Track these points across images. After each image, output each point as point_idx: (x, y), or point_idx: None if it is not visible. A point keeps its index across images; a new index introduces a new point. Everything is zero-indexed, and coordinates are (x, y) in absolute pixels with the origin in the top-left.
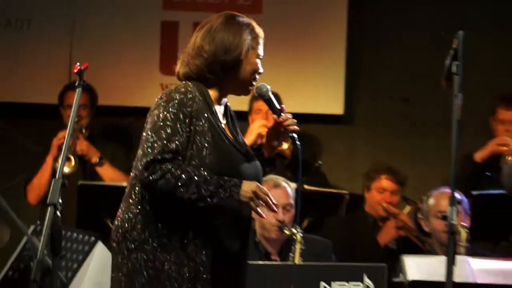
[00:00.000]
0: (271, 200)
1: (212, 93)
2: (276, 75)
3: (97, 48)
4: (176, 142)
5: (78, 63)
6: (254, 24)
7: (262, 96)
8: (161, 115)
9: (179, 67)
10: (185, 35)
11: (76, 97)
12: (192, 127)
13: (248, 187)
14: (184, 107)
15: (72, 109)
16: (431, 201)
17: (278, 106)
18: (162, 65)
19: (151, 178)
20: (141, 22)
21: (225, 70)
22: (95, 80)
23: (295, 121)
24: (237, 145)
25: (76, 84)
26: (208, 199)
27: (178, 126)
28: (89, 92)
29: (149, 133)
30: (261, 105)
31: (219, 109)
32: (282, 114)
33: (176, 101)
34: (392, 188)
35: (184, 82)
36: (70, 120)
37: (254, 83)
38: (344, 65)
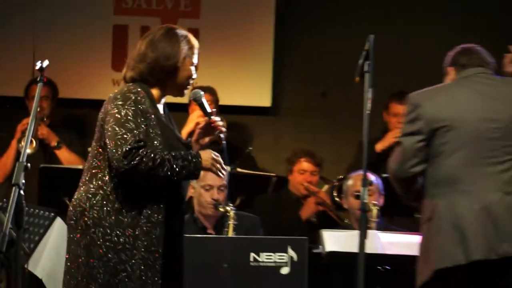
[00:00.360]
0: (221, 165)
1: (154, 92)
2: (213, 72)
3: (57, 48)
4: (141, 133)
5: (40, 61)
6: (190, 36)
7: (196, 100)
8: (122, 113)
9: (125, 71)
10: (133, 37)
11: (37, 90)
12: (146, 121)
13: (206, 155)
14: (139, 105)
15: (35, 100)
16: (350, 182)
17: (209, 110)
18: (113, 62)
19: (132, 163)
20: (95, 25)
21: (165, 75)
22: (56, 75)
23: (223, 123)
24: (178, 137)
25: (38, 79)
26: (180, 173)
27: (138, 120)
28: (50, 86)
29: (116, 128)
30: None
31: (160, 107)
32: (212, 116)
33: (132, 100)
34: (311, 169)
35: (131, 84)
36: (32, 109)
37: (188, 87)
38: (271, 64)
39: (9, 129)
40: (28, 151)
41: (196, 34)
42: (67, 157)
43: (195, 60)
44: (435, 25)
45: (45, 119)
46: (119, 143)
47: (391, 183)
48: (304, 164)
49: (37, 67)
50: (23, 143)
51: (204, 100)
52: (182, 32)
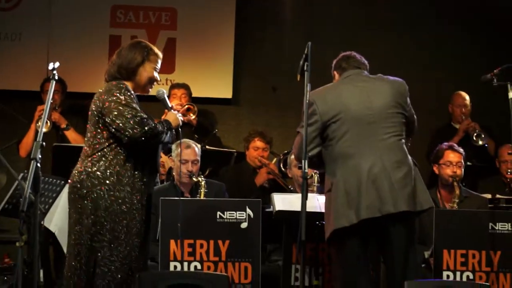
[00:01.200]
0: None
1: (130, 87)
2: (187, 71)
3: (66, 52)
4: (140, 110)
5: (52, 63)
6: (153, 47)
7: (158, 97)
8: (122, 97)
9: (105, 73)
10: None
11: (50, 85)
12: (137, 102)
13: (172, 117)
14: (129, 92)
15: (48, 93)
16: (292, 156)
17: (169, 105)
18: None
19: (145, 129)
20: (96, 35)
21: (128, 75)
22: (65, 74)
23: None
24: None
25: (51, 77)
26: (170, 136)
27: (135, 101)
28: (60, 82)
29: (121, 108)
30: (176, 91)
31: None
32: (172, 110)
33: (124, 89)
34: (263, 146)
35: (114, 80)
36: (47, 100)
37: (150, 86)
38: (232, 64)
39: (27, 117)
40: (44, 130)
41: (174, 42)
42: (74, 137)
43: (156, 65)
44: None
45: (56, 107)
46: (129, 116)
47: None
48: (257, 142)
49: (50, 68)
50: (39, 124)
51: (165, 97)
52: (145, 43)
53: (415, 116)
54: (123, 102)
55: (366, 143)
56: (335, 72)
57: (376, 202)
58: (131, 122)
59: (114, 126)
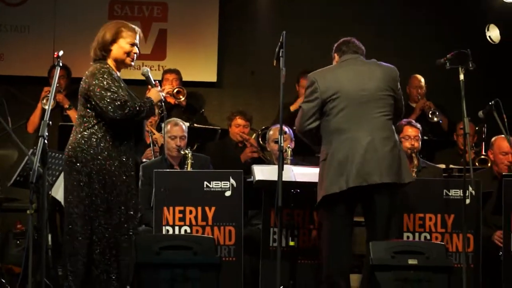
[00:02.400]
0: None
1: (113, 67)
2: (177, 58)
3: (70, 41)
4: (122, 93)
5: (57, 52)
6: (125, 24)
7: (143, 74)
8: (104, 82)
9: (92, 54)
10: None
11: (56, 71)
12: (118, 84)
13: (153, 94)
14: (111, 75)
15: (54, 77)
16: (270, 132)
17: (153, 82)
18: None
19: (125, 111)
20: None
21: (104, 51)
22: (70, 60)
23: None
24: (137, 96)
25: (56, 64)
26: (148, 112)
27: (116, 84)
28: (65, 69)
29: (103, 93)
30: (168, 76)
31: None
32: (156, 86)
33: (107, 73)
34: (243, 123)
35: (99, 63)
36: (53, 83)
37: (130, 59)
38: (216, 51)
39: (36, 99)
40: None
41: (165, 32)
42: (75, 116)
43: (131, 39)
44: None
45: (61, 90)
46: (109, 100)
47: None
48: (239, 120)
49: (55, 55)
50: (44, 101)
51: (149, 75)
52: (119, 22)
53: (403, 101)
54: (105, 86)
55: (359, 120)
56: (335, 54)
57: (364, 172)
58: (112, 105)
59: (97, 109)
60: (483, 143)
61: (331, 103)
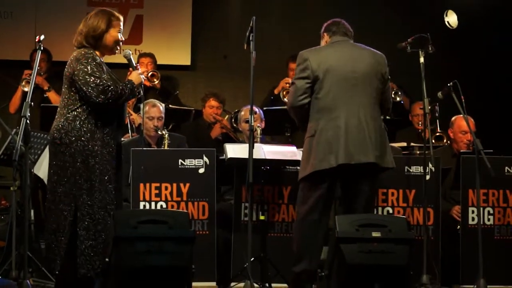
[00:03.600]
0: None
1: (98, 53)
2: (151, 42)
3: (51, 25)
4: (104, 78)
5: (38, 36)
6: (114, 13)
7: (125, 57)
8: (88, 67)
9: (74, 41)
10: None
11: (37, 55)
12: (101, 69)
13: (134, 76)
14: (95, 60)
15: (35, 61)
16: (242, 112)
17: (134, 64)
18: None
19: (107, 95)
20: (74, 13)
21: (95, 41)
22: (51, 45)
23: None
24: (117, 78)
25: (38, 48)
26: (129, 94)
27: (99, 69)
28: (46, 53)
29: (87, 78)
30: (143, 60)
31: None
32: (136, 68)
33: (91, 58)
34: (217, 105)
35: (83, 48)
36: (34, 66)
37: (117, 47)
38: (190, 36)
39: (18, 82)
40: (26, 89)
41: (141, 18)
42: (55, 98)
43: (119, 28)
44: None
45: (42, 73)
46: (93, 85)
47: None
48: (212, 102)
49: (37, 40)
50: (24, 84)
51: (131, 57)
52: (107, 12)
53: (390, 93)
54: (89, 71)
55: (347, 100)
56: (325, 34)
57: (351, 151)
58: (95, 90)
59: (81, 93)
60: (437, 121)
61: (322, 81)
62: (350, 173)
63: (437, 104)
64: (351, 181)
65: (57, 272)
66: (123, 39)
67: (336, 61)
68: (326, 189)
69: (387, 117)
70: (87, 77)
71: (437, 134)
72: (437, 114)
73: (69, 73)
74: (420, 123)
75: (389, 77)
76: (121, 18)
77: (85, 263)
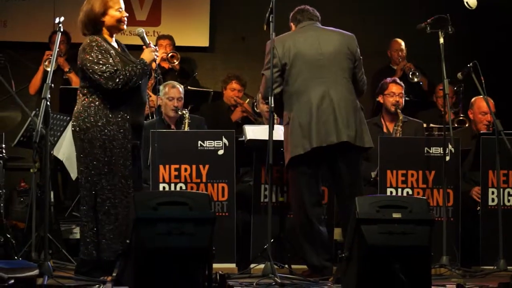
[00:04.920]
0: (156, 49)
1: (105, 36)
2: (171, 24)
3: (69, 11)
4: (110, 63)
5: (58, 17)
6: None
7: (138, 35)
8: (93, 54)
9: (80, 31)
10: None
11: (57, 36)
12: (109, 55)
13: (145, 54)
14: (100, 47)
15: (55, 42)
16: (259, 95)
17: (147, 42)
18: None
19: (116, 81)
20: None
21: (96, 24)
22: (69, 27)
23: (157, 49)
24: (131, 58)
25: (57, 30)
26: (140, 74)
27: (105, 56)
28: (65, 35)
29: (94, 66)
30: (162, 42)
31: (115, 44)
32: (149, 46)
33: (95, 46)
34: (239, 88)
35: (89, 36)
36: (54, 48)
37: (123, 24)
38: (208, 16)
39: (37, 63)
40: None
41: (159, 0)
42: (75, 79)
43: (118, 5)
44: None
45: (62, 55)
46: (99, 73)
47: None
48: (234, 84)
49: (56, 21)
50: (46, 63)
51: (144, 35)
52: None
53: (363, 74)
54: (95, 59)
55: (316, 82)
56: (291, 24)
57: (323, 133)
58: (103, 77)
59: (92, 81)
60: (461, 104)
61: (290, 67)
62: (328, 155)
63: (462, 86)
64: (330, 163)
65: (82, 256)
66: (126, 14)
67: (302, 45)
68: (307, 170)
69: (406, 98)
70: (93, 65)
71: (460, 118)
72: (461, 96)
73: (79, 63)
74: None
75: (361, 57)
76: None
77: (107, 247)
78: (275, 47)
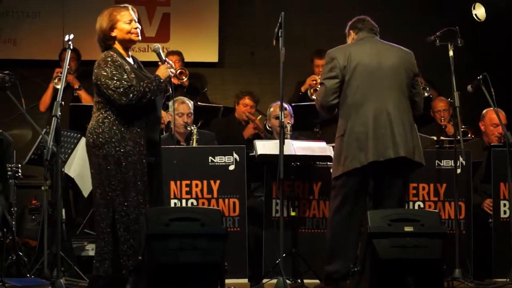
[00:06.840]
0: (172, 65)
1: (120, 51)
2: (180, 40)
3: (79, 24)
4: (124, 79)
5: (67, 35)
6: (116, 8)
7: (154, 51)
8: (108, 70)
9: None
10: None
11: (67, 54)
12: (123, 71)
13: (160, 71)
14: (114, 62)
15: (65, 60)
16: (271, 109)
17: (163, 58)
18: None
19: (130, 97)
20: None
21: (107, 40)
22: (79, 45)
23: (173, 65)
24: (147, 74)
25: (67, 47)
26: (155, 91)
27: (119, 71)
28: (75, 52)
29: (108, 81)
30: (171, 58)
31: (130, 60)
32: (165, 62)
33: (110, 62)
34: (251, 104)
35: (105, 52)
36: (64, 65)
37: (134, 35)
38: (217, 33)
39: (47, 81)
40: (58, 86)
41: (168, 16)
42: (85, 96)
43: (127, 18)
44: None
45: (72, 72)
46: (114, 89)
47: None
48: (247, 100)
49: (66, 39)
50: (56, 81)
51: (160, 51)
52: (109, 8)
53: (422, 93)
54: (109, 75)
55: (375, 96)
56: (351, 31)
57: (380, 147)
58: (116, 93)
59: (106, 96)
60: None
61: (350, 79)
62: (381, 169)
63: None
64: (383, 177)
65: (98, 273)
66: (137, 25)
67: (363, 58)
68: (357, 184)
69: None
70: (108, 81)
71: (463, 129)
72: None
73: (94, 78)
74: (442, 118)
75: (419, 73)
76: (128, 6)
77: (124, 264)
78: (336, 57)
